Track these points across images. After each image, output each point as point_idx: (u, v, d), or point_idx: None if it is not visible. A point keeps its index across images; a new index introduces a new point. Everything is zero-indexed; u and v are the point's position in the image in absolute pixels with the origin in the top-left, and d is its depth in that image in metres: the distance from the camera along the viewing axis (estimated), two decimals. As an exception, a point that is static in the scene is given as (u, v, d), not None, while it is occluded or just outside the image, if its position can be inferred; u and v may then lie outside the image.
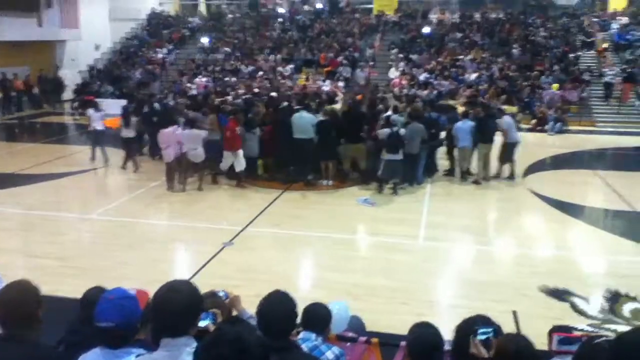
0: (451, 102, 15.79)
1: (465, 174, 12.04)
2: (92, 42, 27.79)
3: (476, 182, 11.80)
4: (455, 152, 12.16)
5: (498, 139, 11.99)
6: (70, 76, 25.92)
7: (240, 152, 11.07)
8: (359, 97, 15.12)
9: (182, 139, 10.80)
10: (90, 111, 13.63)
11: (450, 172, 12.46)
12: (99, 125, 13.31)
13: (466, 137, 11.53)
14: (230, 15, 32.69)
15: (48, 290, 2.65)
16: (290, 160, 11.83)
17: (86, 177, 12.76)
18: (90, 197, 11.20)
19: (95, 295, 2.91)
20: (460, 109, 13.23)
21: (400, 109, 12.05)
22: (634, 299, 6.52)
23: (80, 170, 13.08)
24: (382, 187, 11.12)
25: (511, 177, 12.14)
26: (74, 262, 7.58)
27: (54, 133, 19.09)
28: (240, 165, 11.14)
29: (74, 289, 5.27)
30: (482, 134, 11.57)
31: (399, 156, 10.70)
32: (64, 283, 6.44)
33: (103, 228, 9.17)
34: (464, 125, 11.57)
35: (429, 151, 11.87)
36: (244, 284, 6.03)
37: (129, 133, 12.78)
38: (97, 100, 15.39)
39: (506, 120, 12.11)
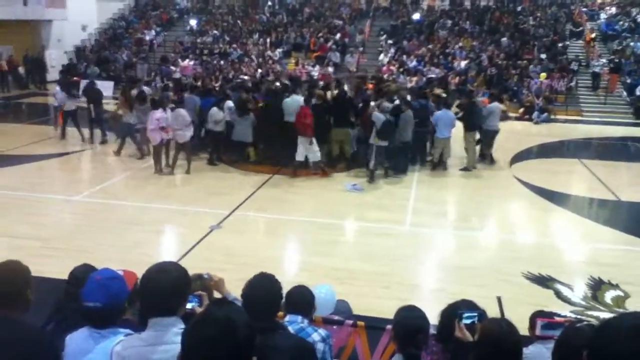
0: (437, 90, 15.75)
1: (437, 165, 11.83)
2: (79, 22, 27.34)
3: (466, 169, 11.83)
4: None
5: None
6: (57, 57, 25.56)
7: (313, 140, 10.71)
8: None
9: (169, 121, 10.71)
10: (57, 88, 14.17)
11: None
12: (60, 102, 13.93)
13: (446, 128, 11.35)
14: (219, -2, 32.39)
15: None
16: (281, 144, 11.69)
17: (72, 159, 12.65)
18: (76, 179, 11.09)
19: (83, 272, 2.92)
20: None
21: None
22: (615, 287, 6.62)
23: (66, 152, 12.96)
24: (372, 176, 10.87)
25: (492, 161, 12.50)
26: (56, 243, 7.52)
27: (40, 114, 18.83)
28: (315, 155, 10.83)
29: (55, 270, 5.25)
30: (468, 122, 11.57)
31: (386, 143, 10.64)
32: (45, 264, 6.35)
33: (87, 210, 9.08)
34: (445, 115, 11.40)
35: (419, 138, 11.77)
36: (230, 267, 6.05)
37: (70, 106, 13.64)
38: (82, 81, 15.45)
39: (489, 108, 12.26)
